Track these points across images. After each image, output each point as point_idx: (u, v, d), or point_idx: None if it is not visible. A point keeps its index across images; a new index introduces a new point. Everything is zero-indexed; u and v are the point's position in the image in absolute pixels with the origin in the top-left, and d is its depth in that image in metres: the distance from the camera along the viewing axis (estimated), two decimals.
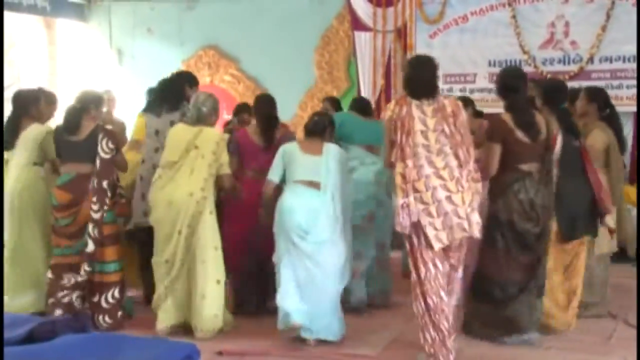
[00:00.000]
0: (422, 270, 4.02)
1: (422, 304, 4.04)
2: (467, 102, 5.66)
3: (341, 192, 4.51)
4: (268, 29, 8.75)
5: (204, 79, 9.04)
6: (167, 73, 8.99)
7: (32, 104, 5.16)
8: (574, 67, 7.39)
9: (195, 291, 4.57)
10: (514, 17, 7.59)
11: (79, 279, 4.67)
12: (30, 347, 3.19)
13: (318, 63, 8.72)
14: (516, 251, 4.42)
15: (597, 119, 5.16)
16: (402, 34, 8.04)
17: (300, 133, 5.81)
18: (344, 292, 5.02)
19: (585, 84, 6.39)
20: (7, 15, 7.71)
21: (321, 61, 8.71)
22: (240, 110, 6.37)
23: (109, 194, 4.76)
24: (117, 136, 4.85)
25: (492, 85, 7.46)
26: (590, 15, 7.33)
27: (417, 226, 3.99)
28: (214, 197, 4.69)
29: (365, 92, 8.15)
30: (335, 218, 4.44)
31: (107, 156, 4.70)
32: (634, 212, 6.77)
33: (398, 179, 4.00)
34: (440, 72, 7.99)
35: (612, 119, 5.23)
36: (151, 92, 5.79)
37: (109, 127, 4.83)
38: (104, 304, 4.73)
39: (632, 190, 6.95)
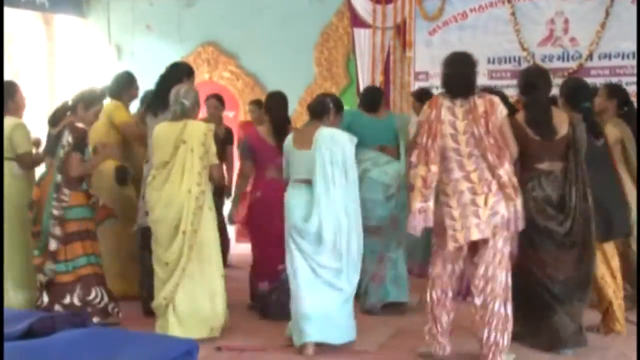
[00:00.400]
0: (433, 266, 4.16)
1: (429, 296, 4.14)
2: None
3: (341, 182, 4.30)
4: (267, 25, 8.74)
5: (203, 75, 9.04)
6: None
7: (9, 97, 5.02)
8: (573, 64, 7.38)
9: (203, 292, 4.46)
10: (513, 14, 7.58)
11: (43, 279, 4.58)
12: (29, 342, 3.18)
13: (317, 60, 8.71)
14: (550, 249, 4.30)
15: (615, 115, 5.15)
16: (401, 30, 8.04)
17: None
18: (362, 296, 5.01)
19: None
20: (6, 11, 7.68)
21: (320, 58, 8.71)
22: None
23: (66, 191, 4.60)
24: (81, 133, 4.68)
25: (491, 82, 7.56)
26: (589, 12, 7.33)
27: (439, 226, 4.02)
28: (210, 191, 4.63)
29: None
30: (331, 214, 4.27)
31: (64, 151, 4.62)
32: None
33: (418, 182, 3.99)
34: (440, 69, 8.10)
35: (630, 117, 5.22)
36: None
37: (80, 124, 4.70)
38: (77, 302, 4.59)
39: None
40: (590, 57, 7.33)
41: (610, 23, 7.24)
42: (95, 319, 4.55)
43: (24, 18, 8.78)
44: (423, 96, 6.04)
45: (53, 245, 4.55)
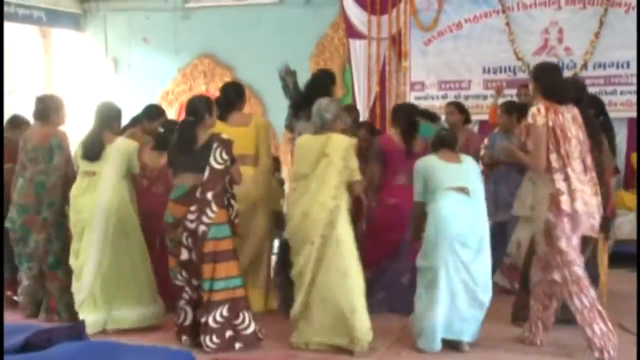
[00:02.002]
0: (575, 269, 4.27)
1: (586, 298, 4.25)
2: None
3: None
4: (263, 37, 8.78)
5: (199, 87, 9.08)
6: (162, 82, 9.22)
7: (115, 118, 5.07)
8: (568, 74, 7.39)
9: (342, 307, 4.33)
10: (507, 24, 7.63)
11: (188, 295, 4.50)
12: (26, 356, 3.18)
13: (313, 71, 8.74)
14: None
15: None
16: (396, 41, 8.08)
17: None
18: None
19: None
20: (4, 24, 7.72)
21: (316, 69, 8.73)
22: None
23: (214, 207, 4.39)
24: (231, 146, 4.49)
25: (487, 92, 7.60)
26: (583, 21, 7.38)
27: (574, 229, 4.27)
28: (348, 206, 4.49)
29: (360, 99, 8.19)
30: (485, 224, 4.46)
31: (220, 167, 4.43)
32: (630, 216, 6.81)
33: (562, 185, 4.23)
34: (435, 79, 8.19)
35: (604, 126, 5.31)
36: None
37: (225, 136, 4.51)
38: (211, 324, 4.37)
39: (627, 196, 7.00)
40: (584, 66, 7.37)
41: (604, 32, 7.29)
42: (215, 340, 4.37)
43: (21, 32, 8.82)
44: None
45: (185, 254, 4.43)
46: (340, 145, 4.43)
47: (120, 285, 4.86)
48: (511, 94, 7.20)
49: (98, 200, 4.83)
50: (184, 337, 4.52)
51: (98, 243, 4.81)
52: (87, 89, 9.39)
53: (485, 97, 7.60)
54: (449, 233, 4.30)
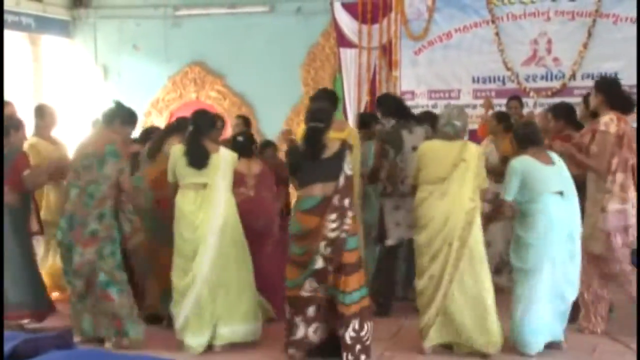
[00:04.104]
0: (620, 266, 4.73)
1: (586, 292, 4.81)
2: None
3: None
4: (254, 45, 8.80)
5: (189, 95, 9.08)
6: (153, 90, 9.21)
7: (212, 126, 4.96)
8: (556, 84, 7.48)
9: (475, 307, 4.45)
10: (497, 34, 7.68)
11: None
12: None
13: (304, 79, 8.77)
14: None
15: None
16: (387, 50, 8.11)
17: None
18: None
19: (567, 100, 6.48)
20: None
21: (307, 77, 8.77)
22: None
23: (349, 214, 4.30)
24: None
25: (476, 102, 7.64)
26: (572, 32, 7.44)
27: (626, 229, 4.68)
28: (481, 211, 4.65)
29: (351, 108, 8.21)
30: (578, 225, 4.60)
31: (350, 173, 4.40)
32: None
33: (616, 188, 4.67)
34: (425, 88, 8.21)
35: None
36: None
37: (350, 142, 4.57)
38: (347, 340, 4.26)
39: None
40: (573, 77, 7.42)
41: (592, 43, 7.35)
42: (350, 358, 4.27)
43: (10, 39, 8.78)
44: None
45: (320, 263, 4.26)
46: (477, 152, 4.70)
47: (228, 302, 4.62)
48: (500, 104, 7.25)
49: (215, 215, 4.61)
50: (291, 351, 4.40)
51: (211, 260, 4.57)
52: (77, 97, 9.36)
53: (474, 107, 7.62)
54: (561, 233, 4.47)
